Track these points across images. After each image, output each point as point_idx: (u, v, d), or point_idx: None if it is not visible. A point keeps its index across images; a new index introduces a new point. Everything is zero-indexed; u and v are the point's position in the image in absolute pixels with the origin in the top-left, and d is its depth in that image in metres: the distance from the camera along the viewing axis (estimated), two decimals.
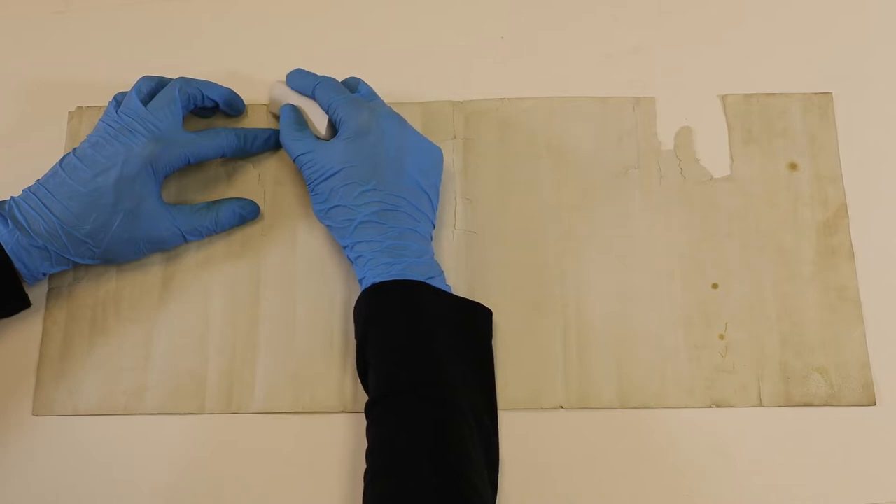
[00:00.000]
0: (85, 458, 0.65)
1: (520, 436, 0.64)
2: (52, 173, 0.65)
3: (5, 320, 0.67)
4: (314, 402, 0.66)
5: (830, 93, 0.72)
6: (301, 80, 0.70)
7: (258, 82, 0.73)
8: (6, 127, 0.74)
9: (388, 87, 0.73)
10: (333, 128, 0.68)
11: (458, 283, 0.67)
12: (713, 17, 0.75)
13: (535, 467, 0.63)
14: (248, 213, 0.69)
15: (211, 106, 0.70)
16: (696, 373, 0.65)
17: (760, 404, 0.65)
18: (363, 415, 0.64)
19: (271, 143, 0.71)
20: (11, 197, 0.65)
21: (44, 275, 0.65)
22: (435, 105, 0.72)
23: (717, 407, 0.65)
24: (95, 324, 0.68)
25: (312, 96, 0.69)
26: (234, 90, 0.71)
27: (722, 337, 0.66)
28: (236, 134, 0.69)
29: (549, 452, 0.64)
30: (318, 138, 0.67)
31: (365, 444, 0.59)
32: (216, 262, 0.69)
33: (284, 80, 0.71)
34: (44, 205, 0.63)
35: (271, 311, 0.68)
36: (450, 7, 0.76)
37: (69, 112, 0.73)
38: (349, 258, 0.65)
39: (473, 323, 0.64)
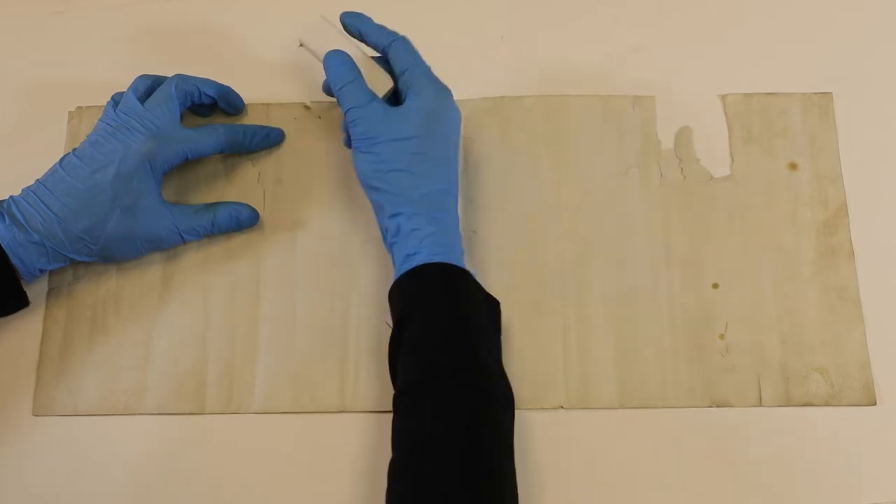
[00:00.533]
0: (85, 458, 0.65)
1: (520, 436, 0.64)
2: (51, 172, 0.65)
3: (5, 319, 0.67)
4: (314, 402, 0.66)
5: (830, 93, 0.72)
6: (369, 25, 0.66)
7: (258, 82, 0.73)
8: (6, 127, 0.74)
9: (388, 86, 0.73)
10: (396, 92, 0.66)
11: None
12: (713, 17, 0.75)
13: (535, 467, 0.63)
14: (245, 219, 0.69)
15: (209, 103, 0.70)
16: (696, 373, 0.65)
17: (760, 404, 0.65)
18: (363, 415, 0.65)
19: (271, 139, 0.71)
20: (10, 196, 0.65)
21: (41, 271, 0.65)
22: None
23: (717, 407, 0.65)
24: (95, 323, 0.68)
25: (385, 49, 0.65)
26: (234, 90, 0.71)
27: (722, 337, 0.66)
28: (234, 130, 0.69)
29: (549, 452, 0.64)
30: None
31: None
32: (216, 261, 0.69)
33: (329, 19, 0.67)
34: (42, 202, 0.64)
35: (271, 311, 0.68)
36: (450, 7, 0.76)
37: (69, 112, 0.74)
38: (395, 227, 0.62)
39: (497, 316, 0.63)
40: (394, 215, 0.62)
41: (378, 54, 0.67)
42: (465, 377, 0.57)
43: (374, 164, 0.63)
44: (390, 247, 0.63)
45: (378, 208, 0.64)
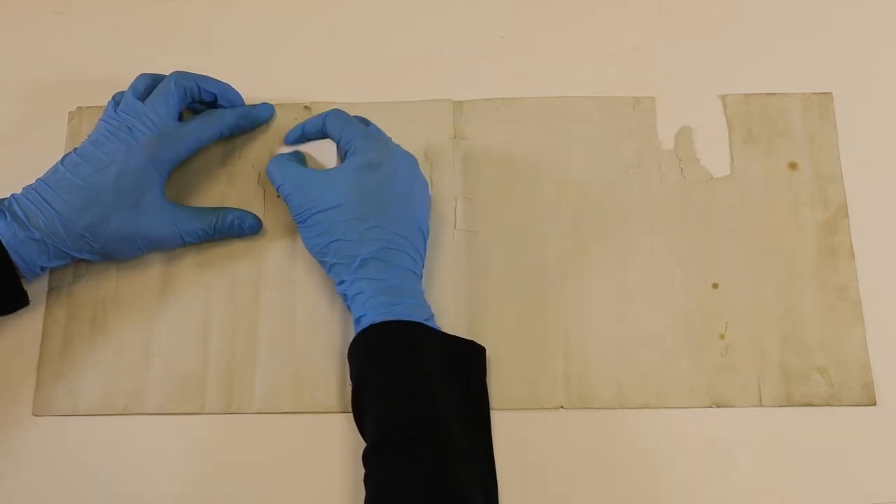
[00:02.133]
0: (85, 458, 0.65)
1: (519, 436, 0.64)
2: (53, 171, 0.65)
3: (5, 319, 0.67)
4: (314, 402, 0.66)
5: (830, 93, 0.72)
6: (304, 126, 0.68)
7: (258, 81, 0.73)
8: (6, 127, 0.74)
9: (389, 86, 0.73)
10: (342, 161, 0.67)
11: (459, 284, 0.67)
12: (713, 17, 0.75)
13: (535, 467, 0.63)
14: (248, 227, 0.69)
15: (209, 100, 0.70)
16: (696, 373, 0.65)
17: (760, 404, 0.65)
18: None
19: (269, 113, 0.72)
20: (11, 193, 0.65)
21: (42, 269, 0.65)
22: (435, 105, 0.72)
23: (717, 407, 0.65)
24: (96, 323, 0.68)
25: (322, 128, 0.67)
26: (233, 87, 0.71)
27: (722, 337, 0.66)
28: (230, 113, 0.70)
29: (549, 452, 0.64)
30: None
31: (364, 447, 0.59)
32: (216, 261, 0.69)
33: (301, 101, 0.71)
34: (43, 199, 0.64)
35: (271, 311, 0.68)
36: (450, 7, 0.76)
37: (69, 112, 0.74)
38: (344, 294, 0.63)
39: (469, 362, 0.63)
40: (340, 283, 0.63)
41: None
42: (425, 440, 0.57)
43: (314, 237, 0.63)
44: (349, 309, 0.64)
45: (330, 277, 0.64)
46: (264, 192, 0.71)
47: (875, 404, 0.64)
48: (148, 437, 0.65)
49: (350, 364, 0.62)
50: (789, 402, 0.65)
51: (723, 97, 0.72)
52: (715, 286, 0.67)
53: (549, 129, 0.72)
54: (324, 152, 0.68)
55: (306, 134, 0.69)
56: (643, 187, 0.70)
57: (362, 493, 0.58)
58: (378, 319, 0.61)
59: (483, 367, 0.64)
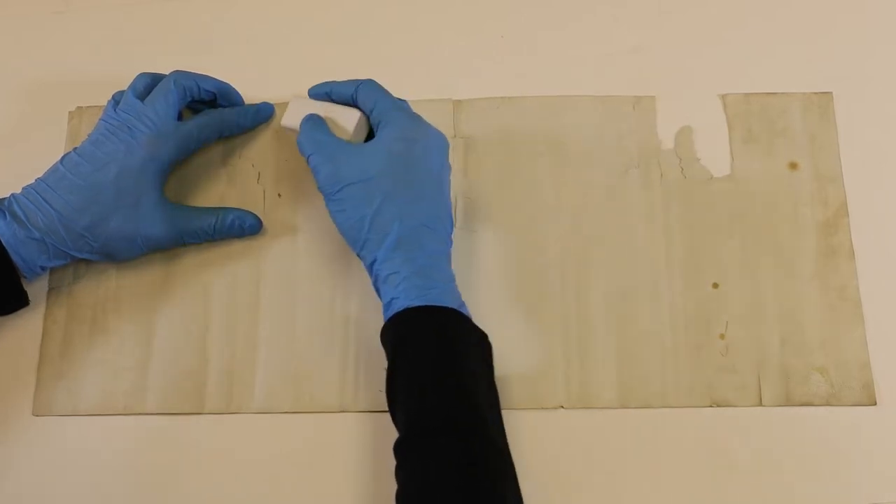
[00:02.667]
0: (85, 458, 0.65)
1: (520, 436, 0.64)
2: (53, 170, 0.65)
3: (5, 319, 0.67)
4: (314, 402, 0.66)
5: (830, 92, 0.72)
6: (333, 87, 0.66)
7: (258, 81, 0.73)
8: (6, 127, 0.74)
9: (389, 86, 0.73)
10: (365, 131, 0.66)
11: (459, 283, 0.67)
12: (713, 17, 0.75)
13: (535, 467, 0.63)
14: (248, 227, 0.68)
15: (208, 99, 0.70)
16: (696, 373, 0.65)
17: (760, 404, 0.65)
18: (363, 415, 0.65)
19: (269, 113, 0.71)
20: (11, 193, 0.65)
21: (42, 268, 0.65)
22: (435, 105, 0.72)
23: (717, 407, 0.65)
24: (96, 323, 0.68)
25: (352, 97, 0.65)
26: (233, 87, 0.71)
27: (722, 337, 0.66)
28: (230, 113, 0.70)
29: (549, 452, 0.64)
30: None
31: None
32: (216, 261, 0.69)
33: (304, 95, 0.68)
34: (43, 199, 0.64)
35: (271, 311, 0.68)
36: (450, 7, 0.76)
37: (69, 112, 0.74)
38: (377, 275, 0.61)
39: (489, 353, 0.62)
40: (372, 262, 0.61)
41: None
42: (459, 427, 0.55)
43: (344, 210, 0.61)
44: (377, 291, 0.62)
45: (360, 256, 0.62)
46: (264, 191, 0.71)
47: (875, 404, 0.64)
48: (148, 437, 0.65)
49: (385, 346, 0.60)
50: (789, 402, 0.65)
51: (723, 97, 0.72)
52: (715, 286, 0.67)
53: (549, 128, 0.72)
54: (341, 116, 0.66)
55: (332, 95, 0.66)
56: (643, 187, 0.70)
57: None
58: (412, 304, 0.58)
59: (492, 361, 0.62)
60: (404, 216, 0.60)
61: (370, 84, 0.65)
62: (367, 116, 0.66)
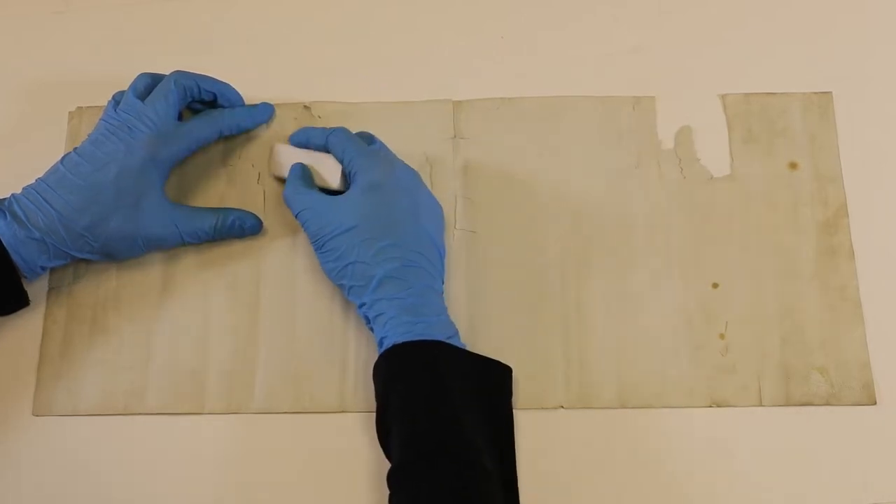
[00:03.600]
0: (85, 458, 0.65)
1: (520, 436, 0.64)
2: (53, 170, 0.65)
3: (5, 319, 0.67)
4: (314, 402, 0.66)
5: (830, 92, 0.72)
6: (308, 135, 0.68)
7: (258, 81, 0.73)
8: (6, 127, 0.74)
9: (389, 86, 0.73)
10: (347, 180, 0.67)
11: (459, 284, 0.67)
12: (713, 17, 0.75)
13: (535, 467, 0.63)
14: (249, 227, 0.68)
15: (209, 99, 0.70)
16: (696, 373, 0.65)
17: (760, 404, 0.65)
18: (363, 415, 0.65)
19: (269, 113, 0.71)
20: (11, 193, 0.65)
21: (42, 268, 0.65)
22: (435, 105, 0.72)
23: (717, 407, 0.65)
24: (96, 323, 0.68)
25: (324, 146, 0.67)
26: (234, 89, 0.71)
27: (722, 337, 0.66)
28: (230, 113, 0.70)
29: (549, 452, 0.64)
30: (329, 192, 0.66)
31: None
32: (216, 261, 0.69)
33: (286, 141, 0.70)
34: (43, 199, 0.64)
35: (271, 311, 0.68)
36: (450, 7, 0.76)
37: (69, 112, 0.74)
38: (365, 317, 0.62)
39: (493, 382, 0.63)
40: (360, 305, 0.63)
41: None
42: (450, 457, 0.56)
43: (331, 261, 0.63)
44: (371, 331, 0.63)
45: (350, 300, 0.64)
46: (264, 192, 0.71)
47: (875, 404, 0.64)
48: (148, 437, 0.65)
49: (375, 385, 0.62)
50: (789, 402, 0.65)
51: (723, 97, 0.72)
52: (715, 286, 0.67)
53: (549, 128, 0.72)
54: (325, 166, 0.68)
55: (309, 144, 0.68)
56: (643, 187, 0.70)
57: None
58: (399, 340, 0.60)
59: (509, 388, 0.63)
60: (385, 259, 0.61)
61: (338, 134, 0.67)
62: None
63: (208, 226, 0.68)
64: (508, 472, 0.60)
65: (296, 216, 0.65)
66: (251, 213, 0.69)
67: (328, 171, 0.67)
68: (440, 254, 0.64)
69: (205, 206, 0.70)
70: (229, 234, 0.68)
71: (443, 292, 0.64)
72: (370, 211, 0.62)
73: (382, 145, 0.67)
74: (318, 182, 0.67)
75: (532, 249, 0.69)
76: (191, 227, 0.67)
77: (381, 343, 0.61)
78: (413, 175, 0.66)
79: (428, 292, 0.62)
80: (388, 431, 0.59)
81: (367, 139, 0.68)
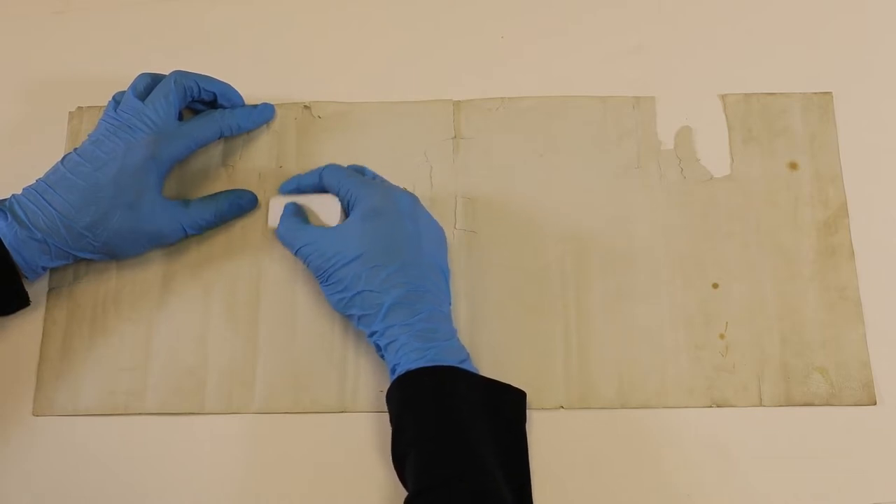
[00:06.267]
0: (85, 458, 0.65)
1: None
2: (53, 170, 0.65)
3: (5, 319, 0.67)
4: (314, 403, 0.66)
5: (830, 92, 0.72)
6: (299, 180, 0.68)
7: (258, 81, 0.73)
8: (6, 127, 0.74)
9: (389, 86, 0.73)
10: (346, 216, 0.66)
11: (459, 284, 0.67)
12: (713, 17, 0.75)
13: (536, 467, 0.63)
14: (246, 203, 0.69)
15: (209, 99, 0.70)
16: (696, 373, 0.65)
17: (760, 404, 0.65)
18: (363, 415, 0.65)
19: (269, 113, 0.71)
20: (12, 194, 0.65)
21: (43, 269, 0.65)
22: (435, 105, 0.72)
23: (717, 407, 0.65)
24: (95, 323, 0.68)
25: (318, 184, 0.67)
26: (234, 89, 0.71)
27: (722, 337, 0.66)
28: (230, 113, 0.70)
29: (549, 452, 0.64)
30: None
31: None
32: (216, 260, 0.69)
33: (278, 193, 0.69)
34: (44, 199, 0.64)
35: (271, 311, 0.68)
36: (450, 7, 0.76)
37: (70, 112, 0.74)
38: (377, 345, 0.62)
39: (506, 406, 0.62)
40: (371, 335, 0.62)
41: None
42: (464, 484, 0.56)
43: (338, 293, 0.63)
44: (382, 359, 0.63)
45: (359, 329, 0.63)
46: (264, 192, 0.71)
47: (875, 404, 0.64)
48: (148, 437, 0.65)
49: (389, 412, 0.61)
50: (789, 402, 0.65)
51: (723, 97, 0.72)
52: (715, 286, 0.67)
53: (549, 128, 0.72)
54: (322, 205, 0.67)
55: (301, 188, 0.68)
56: (643, 187, 0.70)
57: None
58: (412, 366, 0.60)
59: (523, 412, 0.63)
60: (391, 287, 0.61)
61: (330, 169, 0.66)
62: None
63: (209, 214, 0.68)
64: (524, 498, 0.60)
65: (295, 253, 0.65)
66: (246, 191, 0.69)
67: (326, 210, 0.66)
68: (445, 277, 0.64)
69: (200, 198, 0.69)
70: (230, 215, 0.69)
71: (450, 315, 0.64)
72: (374, 237, 0.62)
73: (377, 175, 0.67)
74: (318, 224, 0.66)
75: (532, 249, 0.69)
76: (191, 218, 0.67)
77: (393, 370, 0.61)
78: (412, 199, 0.65)
79: (437, 316, 0.62)
80: (404, 458, 0.59)
81: (360, 171, 0.67)
